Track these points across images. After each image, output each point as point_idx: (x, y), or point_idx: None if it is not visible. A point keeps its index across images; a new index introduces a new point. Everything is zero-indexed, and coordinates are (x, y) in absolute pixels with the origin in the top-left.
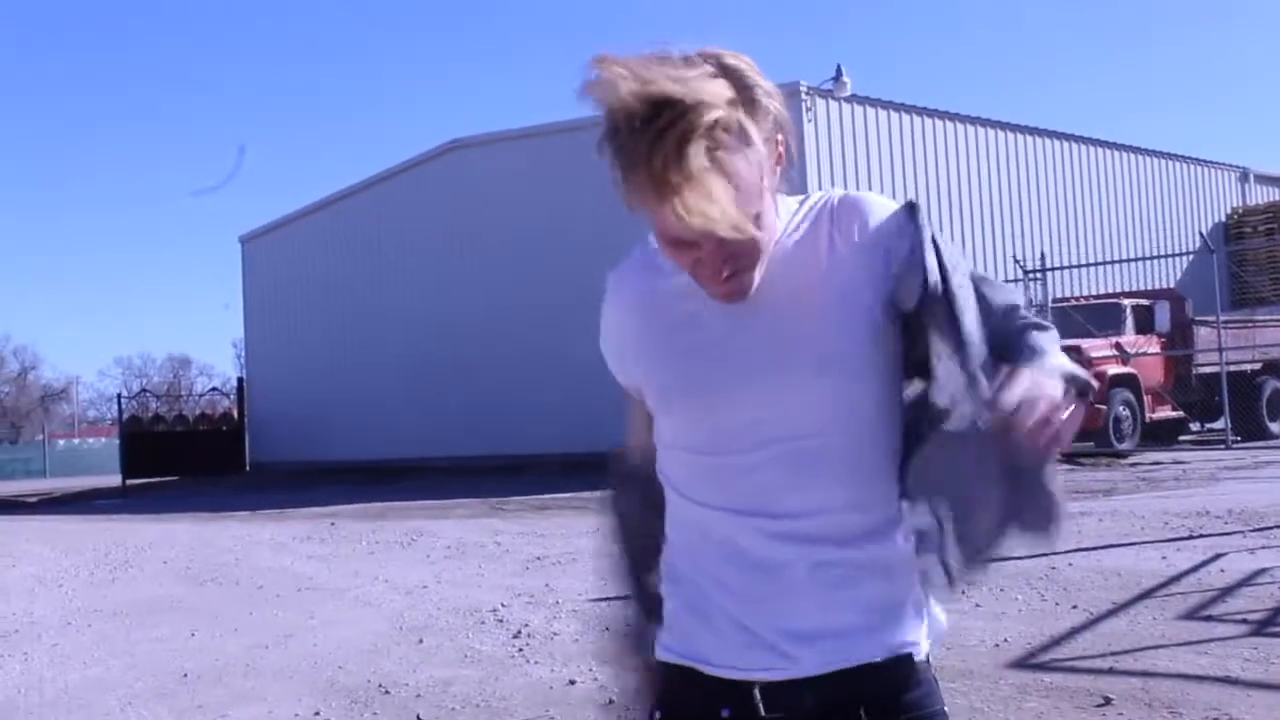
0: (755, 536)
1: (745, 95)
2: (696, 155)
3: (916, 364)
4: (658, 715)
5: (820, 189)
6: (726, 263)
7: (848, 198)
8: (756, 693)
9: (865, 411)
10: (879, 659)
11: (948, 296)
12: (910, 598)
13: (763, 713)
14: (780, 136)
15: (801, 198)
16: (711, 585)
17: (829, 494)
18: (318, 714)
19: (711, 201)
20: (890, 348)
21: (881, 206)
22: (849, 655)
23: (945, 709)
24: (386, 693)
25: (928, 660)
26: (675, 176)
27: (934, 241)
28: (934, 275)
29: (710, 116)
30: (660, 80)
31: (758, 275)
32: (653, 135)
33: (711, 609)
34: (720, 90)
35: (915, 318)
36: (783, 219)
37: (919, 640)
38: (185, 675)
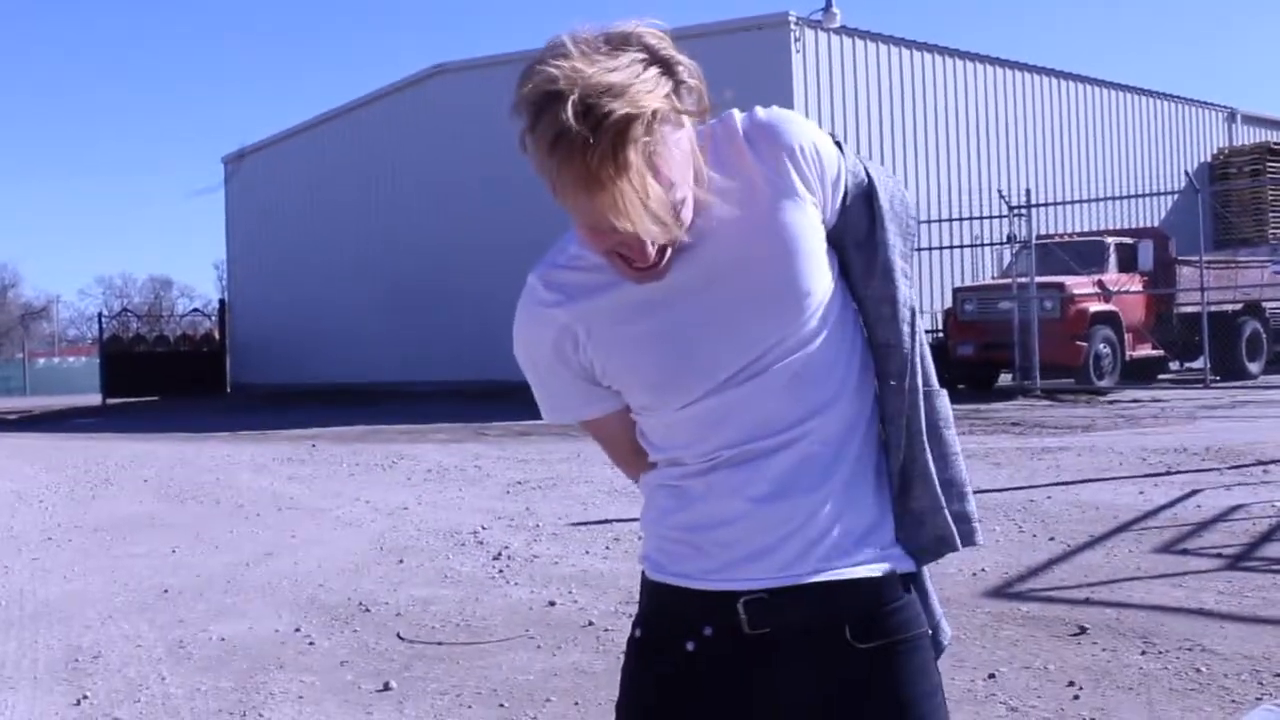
0: (740, 459)
1: (674, 77)
2: (630, 153)
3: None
4: (638, 633)
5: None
6: (634, 257)
7: (760, 122)
8: (740, 607)
9: (836, 330)
10: (862, 576)
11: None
12: (891, 516)
13: (746, 629)
14: (702, 107)
15: (709, 127)
16: (698, 507)
17: (814, 407)
18: (298, 630)
19: (641, 200)
20: (832, 261)
21: (797, 123)
22: (831, 570)
23: (929, 631)
24: (367, 610)
25: (914, 579)
26: (606, 173)
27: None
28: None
29: (645, 110)
30: (596, 76)
31: (669, 252)
32: (587, 132)
33: (697, 531)
34: (652, 79)
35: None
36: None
37: (902, 558)
38: (166, 591)
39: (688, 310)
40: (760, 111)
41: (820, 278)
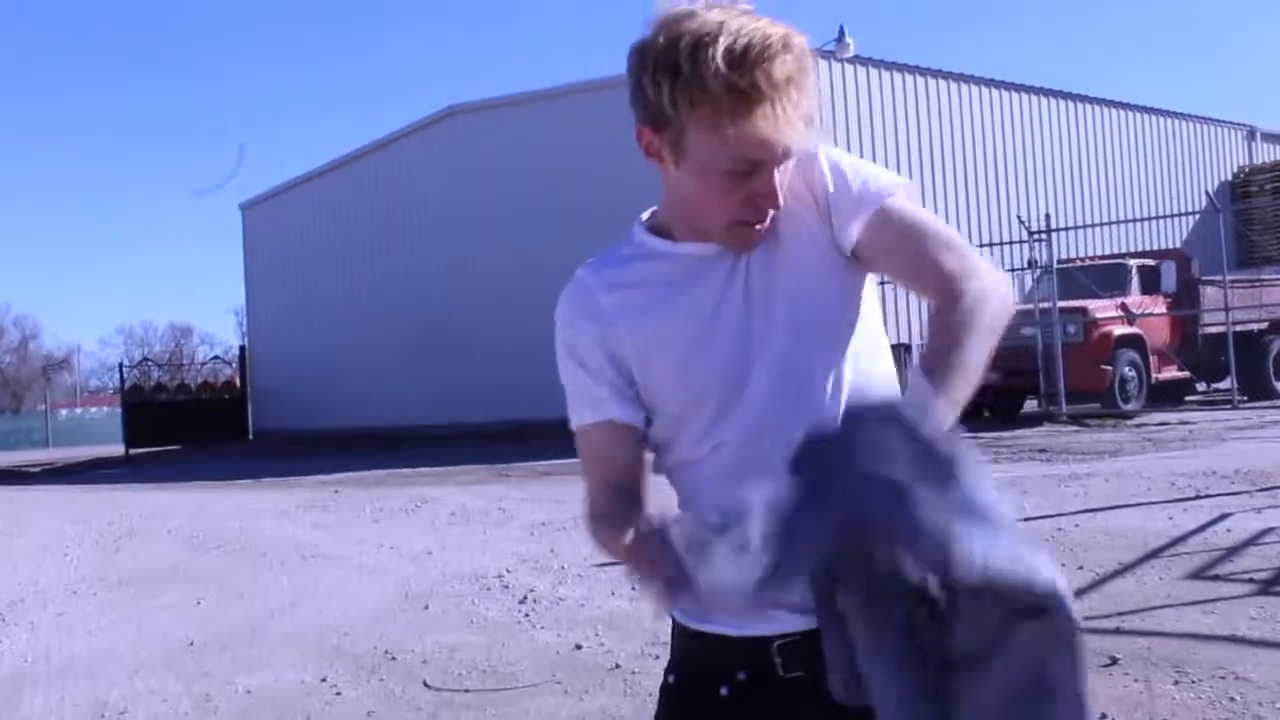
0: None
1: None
2: (786, 67)
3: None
4: (672, 679)
5: None
6: (773, 196)
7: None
8: (774, 651)
9: (867, 348)
10: None
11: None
12: None
13: (781, 672)
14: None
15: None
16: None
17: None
18: (324, 680)
19: (795, 110)
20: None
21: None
22: None
23: None
24: (393, 659)
25: None
26: (765, 85)
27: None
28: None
29: (796, 40)
30: (748, 20)
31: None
32: (743, 48)
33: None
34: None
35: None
36: None
37: None
38: (192, 643)
39: (727, 318)
40: (824, 153)
41: (837, 312)
